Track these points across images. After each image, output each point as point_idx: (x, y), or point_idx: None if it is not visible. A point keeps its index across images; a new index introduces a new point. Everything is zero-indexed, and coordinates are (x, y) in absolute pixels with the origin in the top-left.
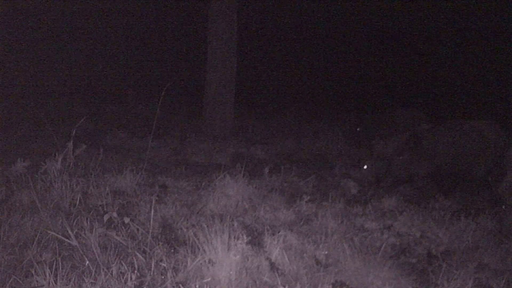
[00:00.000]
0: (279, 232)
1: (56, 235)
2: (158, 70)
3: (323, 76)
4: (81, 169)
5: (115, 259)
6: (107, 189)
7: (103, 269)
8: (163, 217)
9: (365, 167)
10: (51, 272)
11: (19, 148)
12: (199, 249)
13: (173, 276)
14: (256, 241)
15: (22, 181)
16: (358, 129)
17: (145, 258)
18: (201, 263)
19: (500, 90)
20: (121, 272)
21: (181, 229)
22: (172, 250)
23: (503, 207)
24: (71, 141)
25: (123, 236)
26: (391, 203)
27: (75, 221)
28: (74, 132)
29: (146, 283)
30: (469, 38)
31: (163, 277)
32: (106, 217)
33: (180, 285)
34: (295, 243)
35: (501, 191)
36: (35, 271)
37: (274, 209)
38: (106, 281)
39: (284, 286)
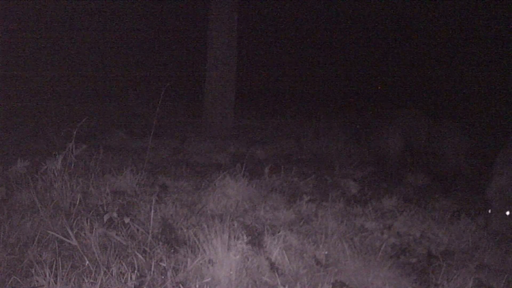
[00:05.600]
0: (279, 232)
1: (56, 235)
2: (158, 70)
3: (323, 76)
4: (81, 169)
5: (115, 259)
6: (107, 189)
7: (103, 269)
8: (163, 217)
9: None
10: (51, 272)
11: (19, 148)
12: (199, 249)
13: (173, 276)
14: (256, 241)
15: (22, 181)
16: (357, 126)
17: (145, 258)
18: (201, 263)
19: (500, 89)
20: (121, 272)
21: (181, 229)
22: (172, 250)
23: (489, 211)
24: (72, 141)
25: (123, 236)
26: (391, 203)
27: (75, 221)
28: (75, 133)
29: (146, 283)
30: (469, 37)
31: (163, 277)
32: (106, 217)
33: (180, 285)
34: (295, 243)
35: (489, 195)
36: (35, 271)
37: (274, 209)
38: (106, 281)
39: (284, 286)
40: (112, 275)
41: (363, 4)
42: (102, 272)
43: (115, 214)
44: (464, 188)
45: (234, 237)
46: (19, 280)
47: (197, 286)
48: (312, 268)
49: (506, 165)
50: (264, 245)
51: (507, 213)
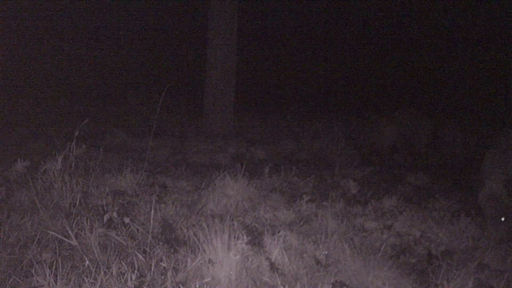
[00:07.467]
0: (279, 232)
1: (56, 235)
2: (158, 70)
3: (323, 76)
4: (81, 169)
5: (115, 259)
6: (107, 189)
7: (103, 269)
8: (163, 217)
9: None
10: (51, 272)
11: (19, 148)
12: (199, 249)
13: (173, 276)
14: (256, 241)
15: (22, 181)
16: (357, 126)
17: (145, 258)
18: (201, 263)
19: (500, 90)
20: (121, 272)
21: (181, 229)
22: (172, 250)
23: (483, 216)
24: (74, 142)
25: (123, 236)
26: (391, 203)
27: (75, 221)
28: (77, 133)
29: (146, 283)
30: (469, 37)
31: (163, 277)
32: (106, 217)
33: (180, 285)
34: (295, 243)
35: (482, 202)
36: (35, 271)
37: (274, 209)
38: (106, 281)
39: (284, 286)
40: (112, 275)
41: (363, 4)
42: (102, 272)
43: (115, 214)
44: (464, 188)
45: (234, 237)
46: (19, 280)
47: (197, 286)
48: (312, 268)
49: (496, 169)
50: (264, 245)
51: (502, 219)
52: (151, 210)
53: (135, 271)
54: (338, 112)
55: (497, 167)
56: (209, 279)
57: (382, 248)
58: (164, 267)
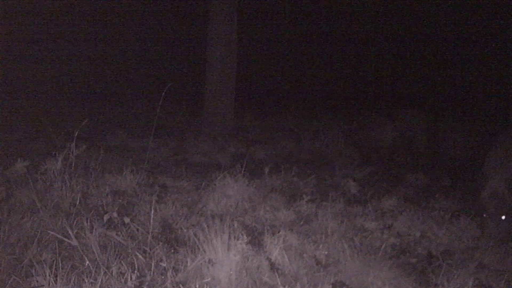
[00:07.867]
0: (279, 232)
1: (56, 235)
2: (158, 70)
3: (323, 76)
4: (81, 169)
5: (115, 259)
6: (107, 189)
7: (103, 269)
8: (163, 217)
9: None
10: (51, 272)
11: (19, 148)
12: (199, 249)
13: (173, 276)
14: (256, 241)
15: (22, 181)
16: (357, 126)
17: (145, 258)
18: (201, 263)
19: (500, 90)
20: (121, 272)
21: (181, 229)
22: (172, 250)
23: (484, 215)
24: (74, 142)
25: (123, 236)
26: (391, 203)
27: (75, 221)
28: (77, 133)
29: (146, 283)
30: (469, 37)
31: (163, 277)
32: (106, 217)
33: (180, 285)
34: (295, 243)
35: (483, 199)
36: (35, 271)
37: (274, 209)
38: (106, 281)
39: (284, 286)
40: (112, 275)
41: (363, 4)
42: (102, 272)
43: (115, 214)
44: (464, 188)
45: (234, 237)
46: (19, 280)
47: (197, 286)
48: (312, 268)
49: (498, 167)
50: (264, 245)
51: (503, 217)
52: (151, 210)
53: (135, 271)
54: (338, 112)
55: (499, 166)
56: (209, 279)
57: (382, 248)
58: (164, 267)
